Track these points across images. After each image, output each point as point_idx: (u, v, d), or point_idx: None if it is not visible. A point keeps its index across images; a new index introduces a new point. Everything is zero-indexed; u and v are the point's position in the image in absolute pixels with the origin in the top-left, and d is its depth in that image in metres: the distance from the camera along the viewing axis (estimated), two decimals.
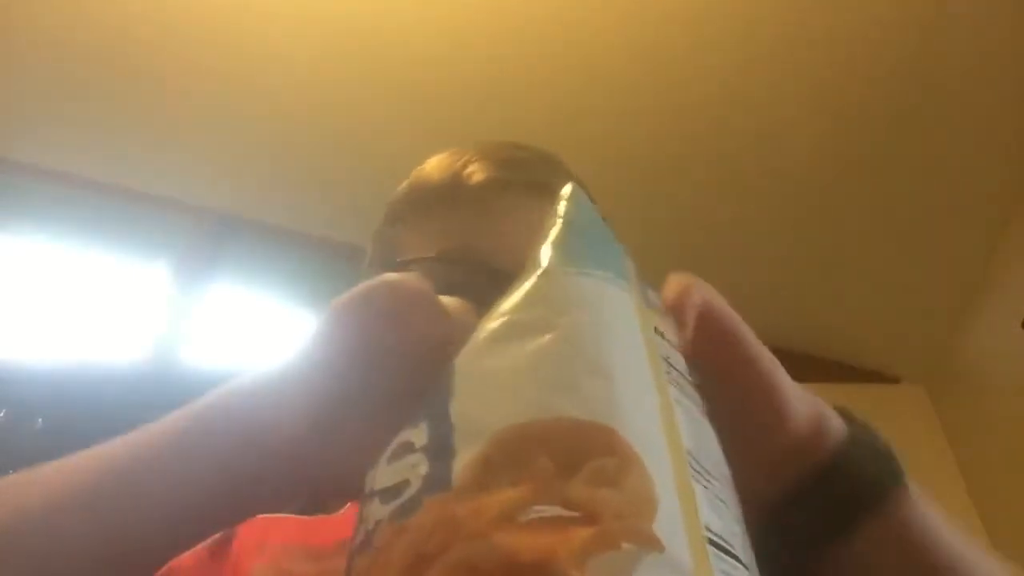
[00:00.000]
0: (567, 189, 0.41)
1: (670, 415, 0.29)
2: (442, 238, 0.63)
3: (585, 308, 0.32)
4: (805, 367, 2.43)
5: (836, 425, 0.42)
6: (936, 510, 0.43)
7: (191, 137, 2.12)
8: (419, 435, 0.30)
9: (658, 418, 0.29)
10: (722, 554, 0.26)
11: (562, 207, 0.39)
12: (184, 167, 2.19)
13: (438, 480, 0.28)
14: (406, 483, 0.29)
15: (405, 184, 0.70)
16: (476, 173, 0.65)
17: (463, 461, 0.27)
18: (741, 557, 0.27)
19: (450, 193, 0.65)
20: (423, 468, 0.29)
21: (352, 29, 1.91)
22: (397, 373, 0.37)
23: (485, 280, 0.55)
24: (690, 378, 0.34)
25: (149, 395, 1.63)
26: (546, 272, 0.34)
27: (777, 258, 2.26)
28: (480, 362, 0.31)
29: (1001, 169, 2.02)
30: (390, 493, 0.29)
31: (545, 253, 0.36)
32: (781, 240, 2.23)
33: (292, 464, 0.37)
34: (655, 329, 0.34)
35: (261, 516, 0.45)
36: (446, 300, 0.41)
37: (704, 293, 0.40)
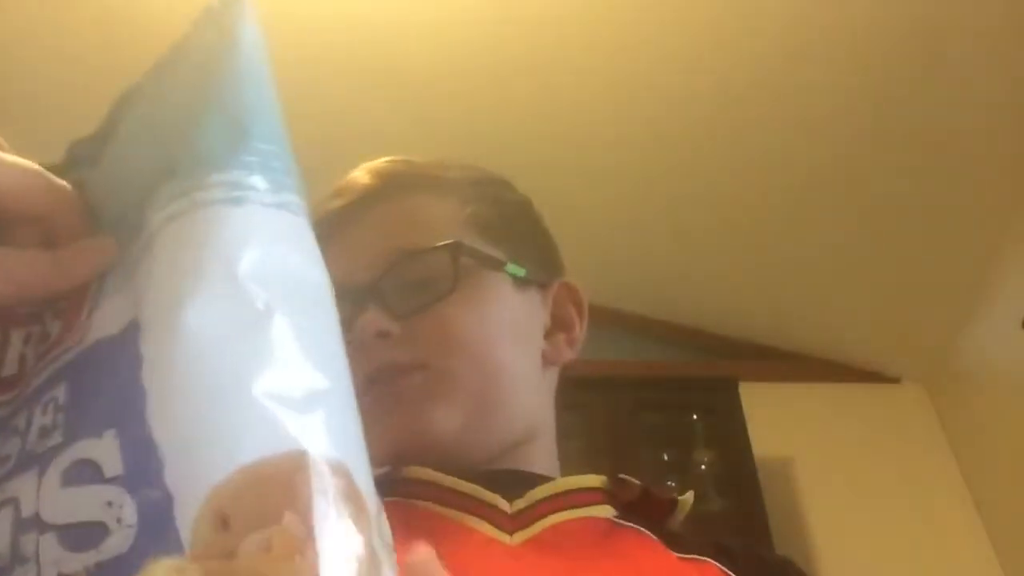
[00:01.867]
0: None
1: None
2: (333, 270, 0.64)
3: (285, 294, 0.27)
4: (806, 367, 2.45)
5: None
6: None
7: None
8: (106, 455, 0.22)
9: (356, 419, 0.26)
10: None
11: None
12: None
13: (161, 537, 0.21)
14: (102, 527, 0.21)
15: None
16: (333, 204, 0.65)
17: (191, 512, 0.21)
18: None
19: (319, 234, 0.65)
20: (128, 513, 0.21)
21: (352, 30, 1.91)
22: None
23: (350, 303, 0.59)
24: None
25: None
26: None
27: (777, 259, 2.26)
28: (182, 365, 0.24)
29: (1001, 170, 2.02)
30: (77, 536, 0.22)
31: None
32: (781, 241, 2.23)
33: None
34: None
35: None
36: None
37: None
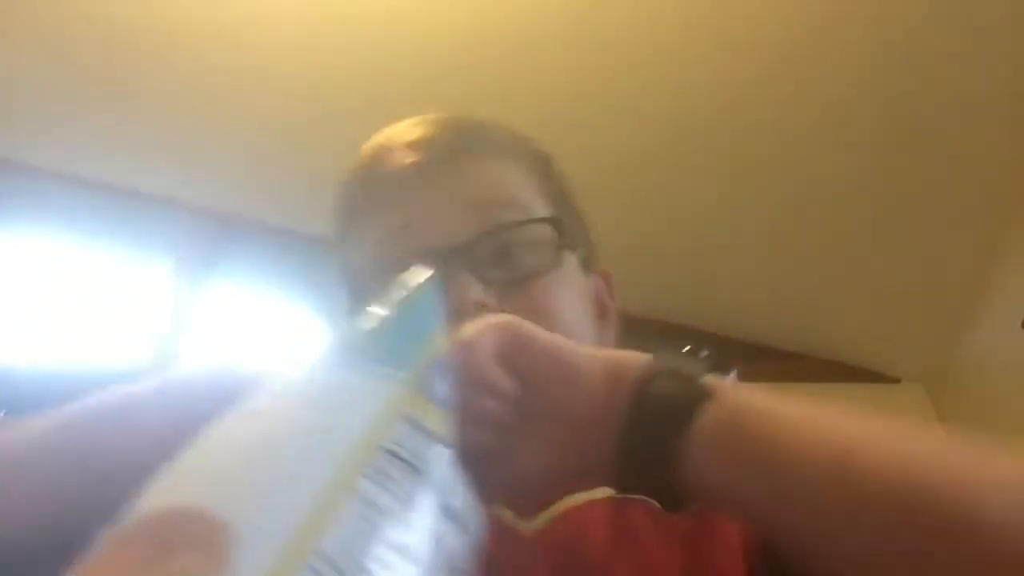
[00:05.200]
0: (412, 276, 0.39)
1: (329, 510, 0.26)
2: (384, 236, 0.61)
3: (308, 403, 0.30)
4: (806, 367, 2.45)
5: (640, 365, 0.42)
6: (783, 402, 0.41)
7: (191, 137, 2.12)
8: None
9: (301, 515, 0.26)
10: None
11: (395, 296, 0.37)
12: (184, 167, 2.19)
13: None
14: None
15: (337, 192, 0.68)
16: (397, 157, 0.62)
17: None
18: None
19: (379, 187, 0.63)
20: None
21: (354, 31, 1.91)
22: None
23: (439, 263, 0.55)
24: (416, 455, 0.30)
25: None
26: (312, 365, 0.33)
27: (777, 259, 2.26)
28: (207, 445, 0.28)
29: (1001, 170, 2.01)
30: None
31: (331, 343, 0.34)
32: (781, 241, 2.22)
33: None
34: (408, 417, 0.31)
35: None
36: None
37: (493, 334, 0.42)
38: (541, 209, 0.62)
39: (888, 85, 1.91)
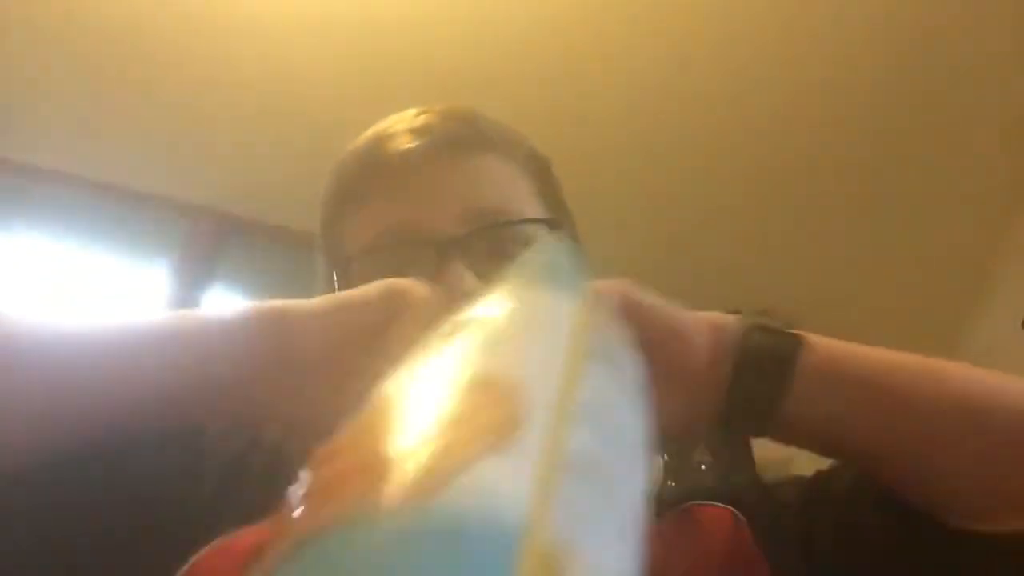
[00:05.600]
0: (542, 243, 0.46)
1: (573, 379, 0.34)
2: (378, 223, 0.62)
3: (536, 311, 0.38)
4: None
5: (736, 326, 0.48)
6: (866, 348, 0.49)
7: (191, 137, 2.12)
8: None
9: (556, 382, 0.33)
10: (582, 477, 0.29)
11: (533, 252, 0.45)
12: (184, 167, 2.19)
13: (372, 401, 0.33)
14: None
15: (330, 178, 0.68)
16: (396, 144, 0.63)
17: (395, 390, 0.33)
18: (610, 490, 0.30)
19: (374, 174, 0.63)
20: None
21: (354, 30, 1.91)
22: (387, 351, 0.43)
23: (433, 254, 0.58)
24: (620, 363, 0.39)
25: None
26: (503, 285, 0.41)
27: (777, 259, 2.26)
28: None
29: (1001, 168, 2.02)
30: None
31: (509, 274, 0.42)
32: (780, 241, 2.23)
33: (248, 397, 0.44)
34: (599, 326, 0.39)
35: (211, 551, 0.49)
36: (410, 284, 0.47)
37: (613, 293, 0.46)
38: (536, 210, 0.63)
39: (888, 84, 1.91)
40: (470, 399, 0.30)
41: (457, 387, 0.31)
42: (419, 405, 0.30)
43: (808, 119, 1.99)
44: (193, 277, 2.23)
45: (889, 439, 0.46)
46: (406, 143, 0.62)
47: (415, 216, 0.60)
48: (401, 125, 0.64)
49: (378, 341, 0.43)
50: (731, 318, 0.49)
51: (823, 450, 0.51)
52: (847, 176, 2.08)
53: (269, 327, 0.46)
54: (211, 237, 2.28)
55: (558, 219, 0.65)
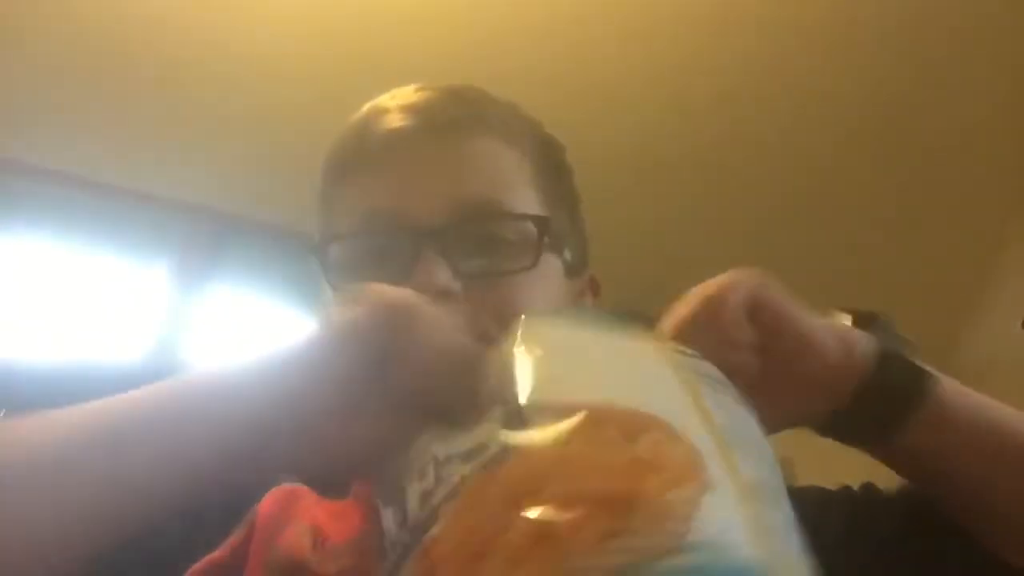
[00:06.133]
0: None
1: (703, 406, 0.36)
2: (362, 203, 0.59)
3: (615, 348, 0.40)
4: None
5: (866, 347, 0.49)
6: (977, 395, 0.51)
7: (191, 137, 2.12)
8: (495, 413, 0.36)
9: (693, 410, 0.35)
10: (760, 496, 0.32)
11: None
12: (184, 167, 2.19)
13: (519, 443, 0.33)
14: (484, 447, 0.34)
15: (327, 149, 0.66)
16: (388, 121, 0.60)
17: (539, 428, 0.33)
18: (777, 501, 0.34)
19: (364, 150, 0.60)
20: (498, 435, 0.34)
21: (353, 30, 1.91)
22: (400, 381, 0.42)
23: (410, 244, 0.55)
24: (721, 381, 0.41)
25: None
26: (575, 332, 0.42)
27: (776, 259, 2.25)
28: (539, 363, 0.37)
29: (1001, 170, 2.02)
30: (471, 454, 0.35)
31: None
32: (780, 242, 2.22)
33: (286, 451, 0.41)
34: (683, 352, 0.41)
35: (283, 489, 0.52)
36: (430, 306, 0.44)
37: (743, 290, 0.48)
38: (531, 203, 0.60)
39: (889, 84, 1.91)
40: (644, 438, 0.32)
41: (614, 427, 0.32)
42: (593, 445, 0.31)
43: (808, 119, 1.99)
44: (193, 277, 2.22)
45: (985, 479, 0.49)
46: (397, 121, 0.59)
47: (396, 202, 0.57)
48: (396, 101, 0.62)
49: (388, 368, 0.41)
50: (861, 335, 0.50)
51: (914, 477, 0.53)
52: (847, 176, 2.08)
53: (271, 384, 0.42)
54: (211, 237, 2.28)
55: (555, 215, 0.61)
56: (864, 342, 0.49)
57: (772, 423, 0.47)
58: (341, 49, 1.94)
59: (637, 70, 1.94)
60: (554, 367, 0.37)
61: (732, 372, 0.43)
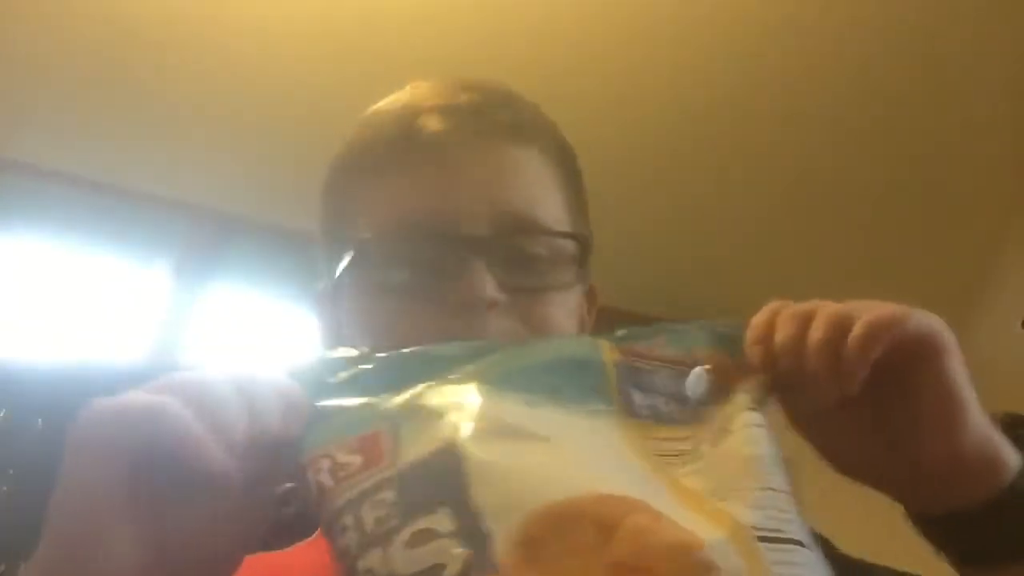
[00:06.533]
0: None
1: (671, 478, 0.35)
2: (399, 205, 0.56)
3: (570, 434, 0.37)
4: None
5: (1012, 461, 0.44)
6: None
7: (191, 137, 2.12)
8: (441, 521, 0.33)
9: (663, 488, 0.34)
10: (774, 544, 0.31)
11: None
12: (184, 167, 2.19)
13: (482, 562, 0.31)
14: (440, 566, 0.32)
15: (349, 140, 0.63)
16: (431, 122, 0.57)
17: (505, 541, 0.31)
18: (796, 536, 0.33)
19: (403, 149, 0.57)
20: (457, 551, 0.32)
21: (354, 30, 1.91)
22: (186, 495, 0.37)
23: (455, 252, 0.54)
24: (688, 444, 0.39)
25: None
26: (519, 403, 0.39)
27: (776, 259, 2.26)
28: (492, 455, 0.35)
29: (1001, 169, 2.02)
30: None
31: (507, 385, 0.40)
32: (780, 241, 2.22)
33: None
34: (642, 437, 0.39)
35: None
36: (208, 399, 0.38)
37: (900, 328, 0.43)
38: (563, 214, 0.59)
39: (888, 82, 1.91)
40: (622, 530, 0.30)
41: (588, 522, 0.31)
42: (567, 556, 0.30)
43: (808, 120, 1.99)
44: (193, 277, 2.22)
45: None
46: (440, 123, 0.57)
47: (441, 207, 0.55)
48: (436, 100, 0.59)
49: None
50: (1013, 455, 0.45)
51: None
52: (846, 176, 2.08)
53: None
54: (211, 237, 2.28)
55: (582, 227, 0.61)
56: (1014, 457, 0.45)
57: (856, 464, 0.46)
58: (342, 49, 1.94)
59: (637, 70, 1.94)
60: (508, 459, 0.34)
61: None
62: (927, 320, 0.45)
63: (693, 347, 0.44)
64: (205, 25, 1.91)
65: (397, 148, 0.58)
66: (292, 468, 0.39)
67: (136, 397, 0.37)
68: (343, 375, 0.41)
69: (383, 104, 0.63)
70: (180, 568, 0.37)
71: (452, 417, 0.37)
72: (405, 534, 0.33)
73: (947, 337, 0.45)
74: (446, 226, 0.54)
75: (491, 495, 0.33)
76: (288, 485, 0.40)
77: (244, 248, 2.31)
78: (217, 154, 2.16)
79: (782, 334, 0.45)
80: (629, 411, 0.40)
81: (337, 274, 0.59)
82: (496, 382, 0.40)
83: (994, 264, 2.15)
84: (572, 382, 0.40)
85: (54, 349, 2.05)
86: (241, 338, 2.24)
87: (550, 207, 0.58)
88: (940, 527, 0.44)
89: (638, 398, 0.41)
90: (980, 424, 0.44)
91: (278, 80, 2.00)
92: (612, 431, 0.38)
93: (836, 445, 0.46)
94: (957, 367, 0.44)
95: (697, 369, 0.43)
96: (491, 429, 0.36)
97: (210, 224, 2.28)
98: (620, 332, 0.45)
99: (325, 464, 0.38)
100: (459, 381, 0.40)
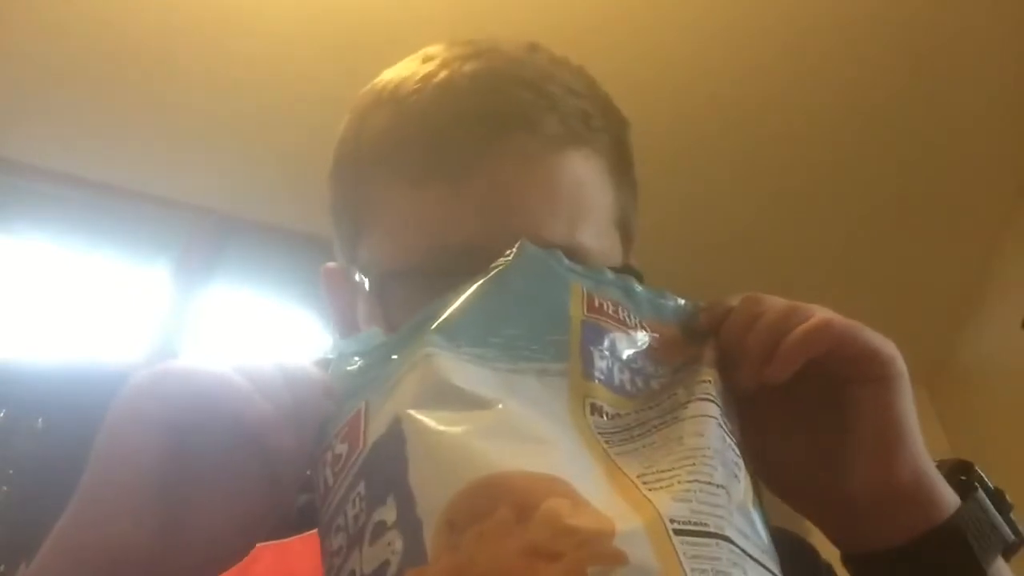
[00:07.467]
0: (514, 252, 0.41)
1: (605, 456, 0.34)
2: (433, 229, 0.48)
3: (513, 398, 0.35)
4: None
5: (948, 500, 0.43)
6: None
7: (191, 137, 2.12)
8: (389, 512, 0.32)
9: (593, 466, 0.33)
10: (695, 538, 0.30)
11: (499, 275, 0.40)
12: (184, 167, 2.19)
13: (414, 554, 0.30)
14: (386, 564, 0.30)
15: (369, 119, 0.54)
16: (464, 133, 0.48)
17: (431, 529, 0.30)
18: (724, 532, 0.31)
19: (430, 158, 0.48)
20: (398, 544, 0.31)
21: (354, 30, 1.91)
22: (220, 459, 0.37)
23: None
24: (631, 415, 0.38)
25: None
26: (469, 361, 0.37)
27: (776, 259, 2.26)
28: (427, 432, 0.33)
29: (1001, 169, 2.02)
30: None
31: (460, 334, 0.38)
32: (779, 241, 2.23)
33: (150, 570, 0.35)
34: (588, 404, 0.37)
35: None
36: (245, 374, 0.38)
37: (850, 335, 0.44)
38: (614, 233, 0.54)
39: (887, 85, 1.91)
40: (539, 512, 0.29)
41: (506, 505, 0.30)
42: (483, 540, 0.29)
43: (807, 120, 1.99)
44: (193, 277, 2.22)
45: None
46: (484, 127, 0.48)
47: (484, 237, 0.46)
48: (481, 86, 0.49)
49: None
50: (953, 497, 0.43)
51: None
52: (845, 176, 2.08)
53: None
54: (211, 237, 2.28)
55: (636, 269, 0.55)
56: (950, 494, 0.43)
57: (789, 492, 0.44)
58: (342, 50, 1.94)
59: (636, 70, 1.94)
60: (441, 430, 0.33)
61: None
62: (882, 342, 0.44)
63: (646, 319, 0.43)
64: (205, 26, 1.91)
65: (428, 150, 0.49)
66: (318, 452, 0.38)
67: (178, 361, 0.38)
68: (357, 363, 0.40)
69: (411, 73, 0.52)
70: (191, 550, 0.37)
71: (404, 383, 0.36)
72: (369, 530, 0.32)
73: (899, 366, 0.44)
74: (490, 259, 0.43)
75: (422, 476, 0.31)
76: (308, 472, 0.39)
77: (244, 248, 2.31)
78: (217, 154, 2.16)
79: (738, 311, 0.44)
80: (585, 373, 0.38)
81: (355, 280, 0.55)
82: (454, 334, 0.37)
83: (994, 264, 2.15)
84: (532, 335, 0.38)
85: (54, 349, 2.05)
86: (241, 338, 2.24)
87: (602, 234, 0.52)
88: (871, 565, 0.43)
89: (598, 360, 0.39)
90: (919, 457, 0.43)
91: (278, 80, 2.00)
92: (556, 397, 0.36)
93: (773, 463, 0.44)
94: (903, 397, 0.43)
95: (649, 338, 0.42)
96: (432, 394, 0.34)
97: (210, 224, 2.28)
98: (583, 269, 0.42)
99: (328, 457, 0.37)
100: (422, 337, 0.37)
